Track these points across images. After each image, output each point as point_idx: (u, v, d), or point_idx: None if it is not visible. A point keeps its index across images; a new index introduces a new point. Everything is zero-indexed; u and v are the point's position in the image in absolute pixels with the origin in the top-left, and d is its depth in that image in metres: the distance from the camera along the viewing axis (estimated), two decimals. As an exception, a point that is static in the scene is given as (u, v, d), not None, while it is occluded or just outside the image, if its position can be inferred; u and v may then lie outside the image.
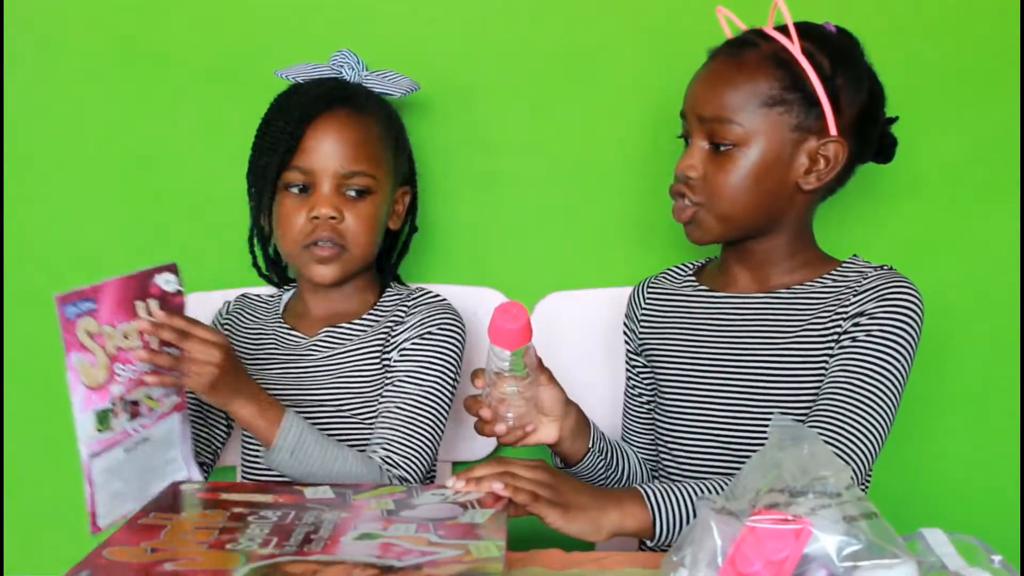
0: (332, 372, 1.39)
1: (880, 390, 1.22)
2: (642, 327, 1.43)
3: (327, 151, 1.34)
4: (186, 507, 1.04)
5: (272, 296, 1.50)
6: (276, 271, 1.50)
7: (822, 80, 1.27)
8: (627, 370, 1.48)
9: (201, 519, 1.00)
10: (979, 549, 0.94)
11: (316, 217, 1.34)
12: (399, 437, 1.32)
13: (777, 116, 1.27)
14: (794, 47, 1.27)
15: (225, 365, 1.16)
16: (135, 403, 1.12)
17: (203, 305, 1.57)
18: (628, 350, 1.48)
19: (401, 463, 1.31)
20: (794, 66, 1.27)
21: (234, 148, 1.59)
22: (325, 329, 1.41)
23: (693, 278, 1.42)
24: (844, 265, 1.34)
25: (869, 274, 1.29)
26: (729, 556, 0.86)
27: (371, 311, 1.43)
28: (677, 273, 1.45)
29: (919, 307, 1.26)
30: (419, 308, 1.41)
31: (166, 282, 1.13)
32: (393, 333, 1.40)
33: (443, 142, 1.61)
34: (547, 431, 1.27)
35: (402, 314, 1.41)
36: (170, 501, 1.06)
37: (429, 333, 1.38)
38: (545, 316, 1.57)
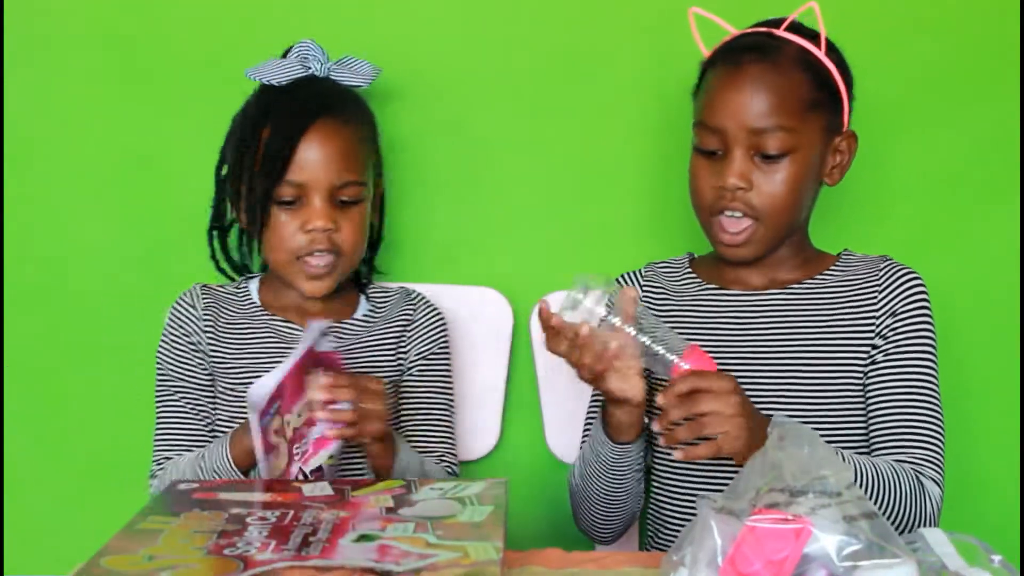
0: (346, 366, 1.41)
1: (938, 407, 1.30)
2: None
3: (320, 164, 1.33)
4: (184, 509, 1.04)
5: (239, 288, 1.46)
6: (232, 263, 1.50)
7: (841, 75, 1.29)
8: None
9: (199, 522, 1.00)
10: (979, 549, 0.94)
11: (312, 230, 1.34)
12: (447, 446, 1.43)
13: (814, 119, 1.28)
14: (818, 48, 1.27)
15: (390, 411, 1.22)
16: (318, 470, 1.19)
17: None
18: None
19: (455, 468, 1.43)
20: (819, 66, 1.28)
21: (234, 148, 1.60)
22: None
23: (693, 275, 1.40)
24: (843, 258, 1.37)
25: (881, 265, 1.33)
26: (729, 556, 0.85)
27: (371, 309, 1.45)
28: (669, 270, 1.43)
29: (930, 301, 1.32)
30: (426, 316, 1.46)
31: (323, 344, 1.19)
32: (408, 336, 1.45)
33: (442, 142, 1.61)
34: (634, 384, 1.21)
35: (409, 316, 1.45)
36: (168, 503, 1.06)
37: (444, 343, 1.47)
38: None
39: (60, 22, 1.60)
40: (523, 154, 1.62)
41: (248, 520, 0.99)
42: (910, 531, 1.15)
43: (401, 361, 1.44)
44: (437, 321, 1.47)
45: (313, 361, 1.19)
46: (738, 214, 1.28)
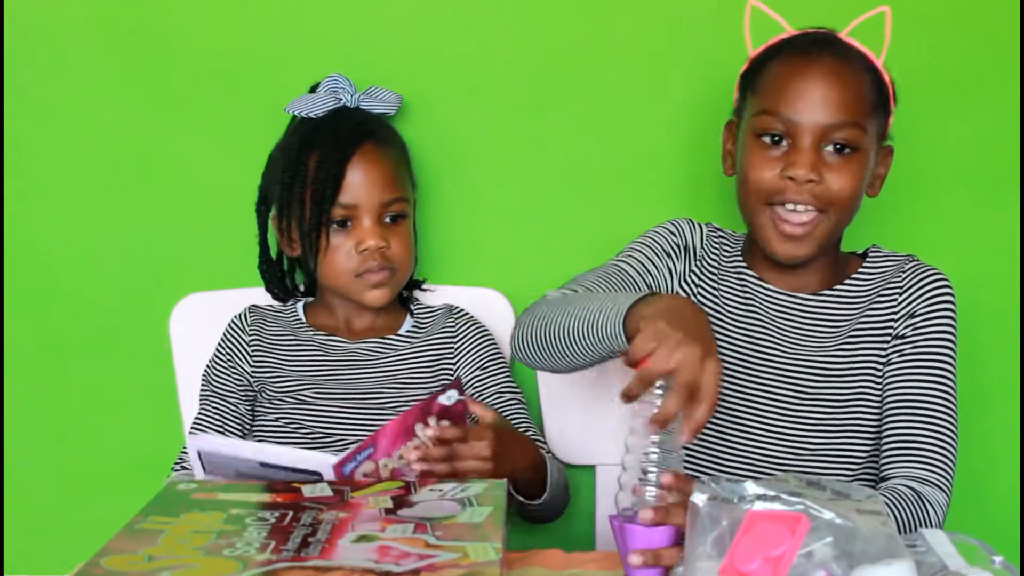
0: (385, 378, 1.46)
1: (952, 409, 1.28)
2: (694, 278, 1.38)
3: (367, 185, 1.42)
4: (184, 509, 1.04)
5: (286, 307, 1.53)
6: (282, 287, 1.55)
7: (892, 88, 1.30)
8: (637, 265, 1.37)
9: (199, 522, 1.00)
10: (980, 549, 0.94)
11: (365, 250, 1.41)
12: (537, 437, 1.45)
13: (874, 122, 1.28)
14: (878, 59, 1.29)
15: (495, 451, 1.20)
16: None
17: (203, 305, 1.58)
18: (656, 249, 1.38)
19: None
20: (877, 72, 1.29)
21: (235, 148, 1.60)
22: (373, 339, 1.48)
23: (740, 258, 1.38)
24: (870, 257, 1.37)
25: (906, 266, 1.33)
26: (728, 552, 0.85)
27: (413, 325, 1.51)
28: (726, 243, 1.40)
29: (955, 300, 1.32)
30: (469, 330, 1.50)
31: (448, 398, 1.20)
32: (453, 352, 1.49)
33: (442, 142, 1.61)
34: None
35: (451, 332, 1.50)
36: (169, 503, 1.06)
37: (493, 348, 1.51)
38: (545, 316, 1.57)
39: (60, 21, 1.60)
40: (523, 154, 1.62)
41: (247, 520, 0.99)
42: None
43: (445, 376, 1.47)
44: (480, 332, 1.51)
45: (427, 414, 1.19)
46: (802, 207, 1.26)
